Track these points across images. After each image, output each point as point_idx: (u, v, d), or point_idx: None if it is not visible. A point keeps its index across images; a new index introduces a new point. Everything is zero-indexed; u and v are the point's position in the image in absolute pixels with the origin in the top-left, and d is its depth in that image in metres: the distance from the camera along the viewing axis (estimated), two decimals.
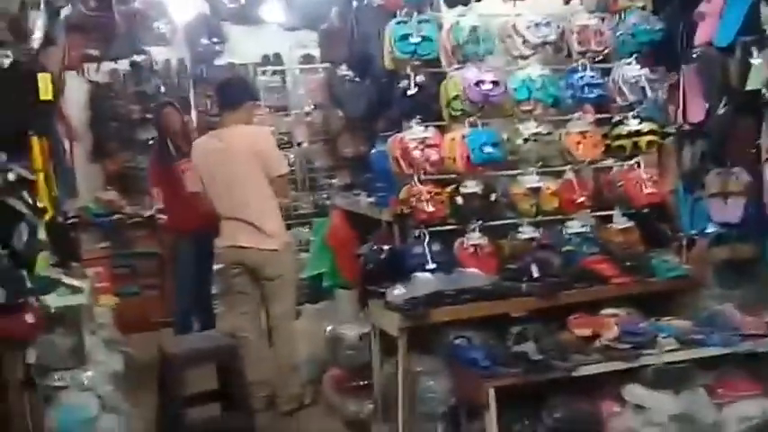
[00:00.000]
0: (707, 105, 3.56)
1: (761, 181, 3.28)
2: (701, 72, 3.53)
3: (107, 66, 5.80)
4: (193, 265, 4.62)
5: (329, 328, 3.99)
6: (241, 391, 3.44)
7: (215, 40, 5.70)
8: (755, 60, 3.18)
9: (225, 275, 3.98)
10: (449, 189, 3.43)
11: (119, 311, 3.97)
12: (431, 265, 3.29)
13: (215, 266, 4.64)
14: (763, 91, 3.14)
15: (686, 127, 3.66)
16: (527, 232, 3.52)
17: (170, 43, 5.85)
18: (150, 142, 5.75)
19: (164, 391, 3.42)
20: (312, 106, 4.80)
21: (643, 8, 3.68)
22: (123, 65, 6.14)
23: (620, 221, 3.69)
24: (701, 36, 3.44)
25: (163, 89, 6.07)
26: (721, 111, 3.49)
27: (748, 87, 3.18)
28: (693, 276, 3.53)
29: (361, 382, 3.73)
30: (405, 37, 3.33)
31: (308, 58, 5.63)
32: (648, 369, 3.05)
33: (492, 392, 2.86)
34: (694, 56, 3.55)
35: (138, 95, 6.28)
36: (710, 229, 3.55)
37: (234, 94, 3.82)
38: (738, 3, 3.38)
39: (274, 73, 4.94)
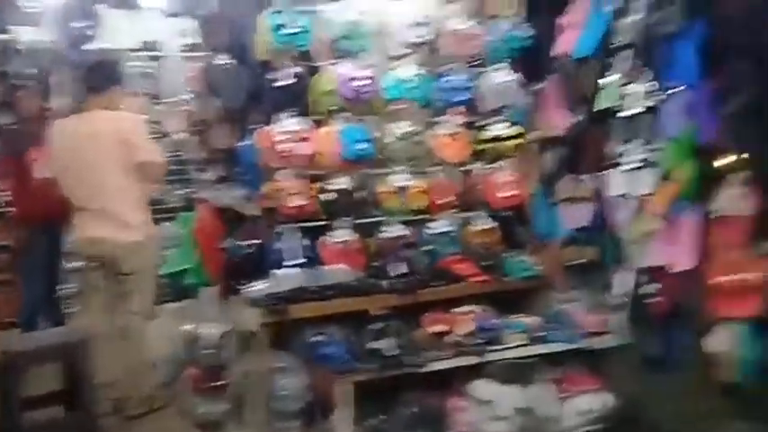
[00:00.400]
0: (568, 114, 3.77)
1: (603, 184, 3.50)
2: (562, 82, 3.72)
3: None
4: (41, 259, 4.32)
5: (188, 327, 3.86)
6: (87, 393, 3.23)
7: (87, 23, 5.30)
8: (606, 80, 3.36)
9: (81, 270, 3.78)
10: (318, 184, 3.46)
11: None
12: (296, 261, 3.31)
13: (75, 263, 4.36)
14: (605, 102, 3.33)
15: (548, 134, 3.85)
16: (394, 230, 3.60)
17: (38, 24, 5.43)
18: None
19: (3, 392, 3.18)
20: (190, 95, 4.60)
21: (516, 16, 3.82)
22: None
23: (481, 223, 3.84)
24: (560, 47, 3.61)
25: (27, 72, 5.57)
26: (578, 120, 3.70)
27: (597, 107, 3.37)
28: (545, 276, 3.76)
29: (219, 382, 3.66)
30: (279, 27, 3.30)
31: (188, 45, 5.39)
32: (496, 364, 3.21)
33: (348, 388, 2.94)
34: (556, 66, 3.73)
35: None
36: (562, 232, 3.79)
37: (99, 78, 3.60)
38: (598, 18, 3.57)
39: (151, 59, 4.69)
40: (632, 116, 3.23)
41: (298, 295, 3.16)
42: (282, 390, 3.04)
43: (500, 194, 3.78)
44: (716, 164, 3.02)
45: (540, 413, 3.30)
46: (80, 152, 3.40)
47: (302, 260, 3.33)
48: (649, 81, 3.19)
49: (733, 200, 2.95)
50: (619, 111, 3.30)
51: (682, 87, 3.11)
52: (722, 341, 3.01)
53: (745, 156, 2.95)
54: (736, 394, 3.78)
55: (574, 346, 3.40)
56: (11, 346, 3.10)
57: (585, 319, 3.51)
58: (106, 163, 3.36)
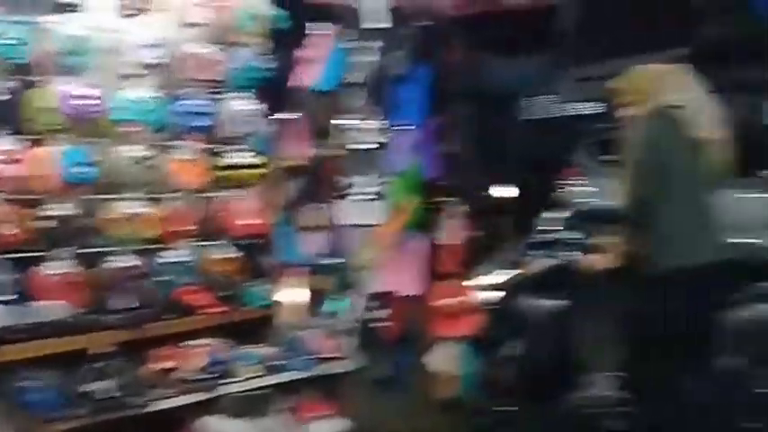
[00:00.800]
0: (310, 145, 3.86)
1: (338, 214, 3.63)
2: (303, 114, 3.81)
3: None
4: None
5: None
6: None
7: None
8: (342, 115, 3.49)
9: None
10: (33, 210, 3.15)
11: None
12: (3, 296, 2.98)
13: None
14: (342, 136, 3.47)
15: (291, 163, 3.91)
16: (122, 260, 3.37)
17: None
18: None
19: None
20: None
21: (259, 45, 3.82)
22: None
23: (221, 251, 3.76)
24: (302, 79, 3.70)
25: None
26: (317, 151, 3.81)
27: (334, 140, 3.48)
28: (286, 304, 3.77)
29: None
30: None
31: None
32: (227, 398, 3.15)
33: None
34: (299, 98, 3.81)
35: None
36: (303, 259, 3.85)
37: None
38: (335, 52, 3.71)
39: None
40: (366, 150, 3.39)
41: (4, 336, 2.83)
42: None
43: (241, 222, 3.73)
44: (437, 197, 3.31)
45: None
46: None
47: (11, 296, 2.99)
48: (380, 118, 3.38)
49: (450, 230, 3.26)
50: (354, 143, 3.46)
51: (408, 126, 3.37)
52: (442, 360, 3.28)
53: (461, 190, 3.25)
54: (457, 408, 4.12)
55: (307, 373, 3.44)
56: None
57: (321, 345, 3.57)
58: None
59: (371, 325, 3.40)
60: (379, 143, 3.34)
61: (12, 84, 3.10)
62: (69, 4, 3.21)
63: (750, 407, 3.48)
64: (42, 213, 3.12)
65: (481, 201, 3.39)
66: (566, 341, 3.98)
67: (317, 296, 3.89)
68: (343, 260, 3.77)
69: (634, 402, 3.64)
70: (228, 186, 3.77)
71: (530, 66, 3.66)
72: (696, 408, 3.25)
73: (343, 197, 3.47)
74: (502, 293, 4.03)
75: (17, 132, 3.11)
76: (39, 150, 3.14)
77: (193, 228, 3.63)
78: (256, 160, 3.80)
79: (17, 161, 3.06)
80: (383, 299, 3.44)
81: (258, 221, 3.80)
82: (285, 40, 3.91)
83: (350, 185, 3.42)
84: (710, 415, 3.24)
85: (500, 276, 4.09)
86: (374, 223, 3.37)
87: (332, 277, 3.85)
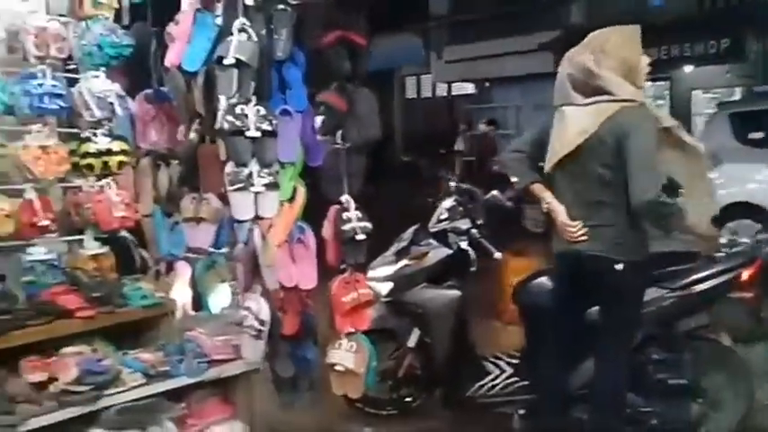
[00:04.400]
0: (179, 130, 3.54)
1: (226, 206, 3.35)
2: (172, 96, 3.48)
3: None
4: None
5: None
6: None
7: None
8: (219, 88, 3.21)
9: None
10: None
11: None
12: None
13: None
14: (221, 121, 3.19)
15: (145, 148, 3.56)
16: None
17: None
18: None
19: None
20: None
21: (116, 18, 3.46)
22: None
23: (90, 247, 3.37)
24: (170, 58, 3.36)
25: None
26: (190, 136, 3.50)
27: (215, 125, 3.20)
28: (167, 304, 3.43)
29: None
30: None
31: None
32: (110, 410, 2.79)
33: None
34: (165, 78, 3.47)
35: None
36: (182, 253, 3.51)
37: None
38: (205, 29, 3.41)
39: None
40: (251, 138, 3.13)
41: None
42: None
43: (109, 214, 3.33)
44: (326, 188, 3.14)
45: None
46: None
47: None
48: (262, 104, 3.14)
49: (345, 222, 3.11)
50: (235, 131, 3.17)
51: (294, 113, 3.16)
52: (343, 355, 3.15)
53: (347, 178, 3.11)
54: (361, 402, 4.00)
55: (197, 378, 3.14)
56: None
57: (213, 346, 3.27)
58: None
59: (272, 322, 3.15)
60: (264, 130, 3.09)
61: None
62: None
63: (649, 392, 3.57)
64: None
65: (369, 188, 3.23)
66: (464, 331, 3.97)
67: (202, 293, 3.58)
68: (227, 254, 3.47)
69: (534, 388, 3.69)
70: (91, 175, 3.36)
71: (404, 46, 3.58)
72: (596, 393, 3.31)
73: (227, 187, 3.18)
74: (398, 284, 3.94)
75: None
76: None
77: (56, 221, 3.21)
78: (120, 146, 3.42)
79: None
80: (279, 294, 3.21)
81: (128, 213, 3.42)
82: (147, 14, 3.56)
83: (236, 175, 3.13)
84: (609, 398, 3.29)
85: (395, 267, 3.99)
86: (266, 216, 3.12)
87: (216, 272, 3.55)
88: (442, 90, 16.92)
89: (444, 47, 14.90)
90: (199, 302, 3.59)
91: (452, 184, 4.20)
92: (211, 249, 3.51)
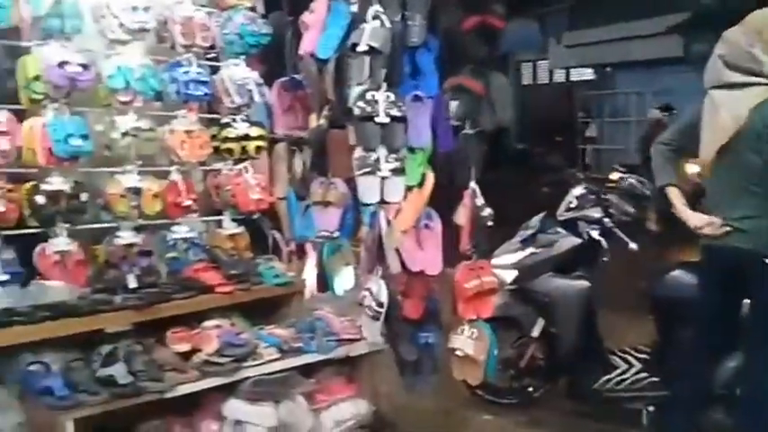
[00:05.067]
0: (310, 116, 3.63)
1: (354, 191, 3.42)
2: (304, 83, 3.56)
3: None
4: None
5: None
6: None
7: None
8: (351, 75, 3.28)
9: None
10: (27, 186, 2.90)
11: None
12: (1, 277, 2.74)
13: None
14: (352, 107, 3.25)
15: (280, 134, 3.68)
16: (126, 237, 3.14)
17: None
18: None
19: None
20: None
21: (252, 9, 3.60)
22: None
23: (228, 227, 3.55)
24: (304, 46, 3.46)
25: None
26: (321, 122, 3.58)
27: (346, 103, 3.27)
28: (298, 284, 3.55)
29: None
30: None
31: None
32: (247, 382, 2.93)
33: (71, 425, 2.45)
34: (299, 66, 3.57)
35: None
36: (314, 236, 3.62)
37: None
38: (339, 17, 3.48)
39: None
40: (380, 124, 3.18)
41: (5, 319, 2.59)
42: None
43: (251, 196, 3.50)
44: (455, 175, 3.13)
45: (297, 429, 3.10)
46: None
47: (6, 276, 2.74)
48: (392, 90, 3.18)
49: (472, 209, 3.09)
50: (365, 116, 3.23)
51: (426, 98, 3.17)
52: (466, 341, 3.14)
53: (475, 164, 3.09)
54: (482, 389, 3.98)
55: (327, 355, 3.23)
56: None
57: (341, 326, 3.36)
58: None
59: (393, 306, 3.19)
60: (393, 116, 3.13)
61: None
62: None
63: None
64: (39, 189, 2.87)
65: (499, 175, 3.19)
66: (592, 322, 3.86)
67: (330, 274, 3.68)
68: (356, 237, 3.54)
69: (666, 385, 3.55)
70: (230, 159, 3.54)
71: (520, 31, 3.49)
72: (745, 395, 3.15)
73: (355, 172, 3.25)
74: (524, 273, 3.88)
75: (1, 102, 2.86)
76: (29, 122, 2.89)
77: (196, 203, 3.40)
78: (258, 132, 3.57)
79: (4, 133, 2.80)
80: (405, 279, 3.24)
81: (264, 196, 3.58)
82: (282, 3, 3.68)
83: (365, 160, 3.20)
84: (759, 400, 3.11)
85: (521, 255, 3.93)
86: (392, 200, 3.16)
87: (342, 255, 3.64)
88: (559, 76, 16.49)
89: (564, 31, 14.46)
90: (325, 283, 3.72)
91: (579, 174, 4.09)
92: (337, 233, 3.61)
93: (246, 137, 3.54)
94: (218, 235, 3.52)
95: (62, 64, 2.88)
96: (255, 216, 3.63)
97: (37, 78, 2.86)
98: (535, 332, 3.90)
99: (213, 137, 3.48)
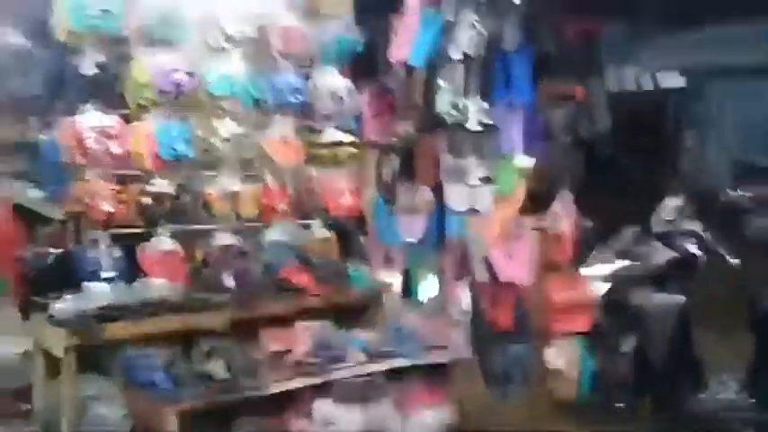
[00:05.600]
0: (400, 123, 3.67)
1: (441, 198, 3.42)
2: (394, 89, 3.61)
3: None
4: None
5: None
6: None
7: None
8: (441, 82, 3.30)
9: None
10: (134, 187, 3.04)
11: None
12: (108, 274, 2.89)
13: None
14: (442, 115, 3.26)
15: (372, 140, 3.73)
16: (223, 238, 3.25)
17: None
18: None
19: None
20: None
21: (346, 18, 3.67)
22: None
23: (319, 231, 3.62)
24: (395, 53, 3.50)
25: None
26: (408, 129, 3.61)
27: (437, 110, 3.30)
28: (384, 288, 3.60)
29: (22, 407, 3.14)
30: (82, 7, 2.86)
31: None
32: (337, 383, 2.98)
33: (174, 418, 2.55)
34: (389, 72, 3.62)
35: None
36: (400, 242, 3.66)
37: None
38: (430, 24, 3.50)
39: None
40: (470, 131, 3.18)
41: (112, 313, 2.72)
42: (98, 420, 2.60)
43: (340, 202, 3.56)
44: (545, 182, 3.09)
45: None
46: None
47: (114, 273, 2.88)
48: (485, 97, 3.18)
49: (565, 219, 3.04)
50: (455, 124, 3.24)
51: (518, 106, 3.14)
52: (558, 355, 3.08)
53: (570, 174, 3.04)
54: (574, 405, 3.90)
55: (416, 361, 3.24)
56: None
57: (428, 332, 3.37)
58: None
59: (483, 315, 3.18)
60: (485, 123, 3.13)
61: (104, 58, 2.98)
62: None
63: None
64: (144, 190, 3.00)
65: (592, 185, 3.13)
66: (687, 339, 3.73)
67: (415, 280, 3.71)
68: (444, 244, 3.55)
69: (760, 407, 3.40)
70: (323, 164, 3.61)
71: (606, 35, 3.42)
72: None
73: (445, 180, 3.26)
74: (617, 286, 3.78)
75: (112, 107, 3.01)
76: (135, 126, 3.03)
77: (289, 206, 3.49)
78: (348, 138, 3.63)
79: (116, 137, 2.94)
80: (495, 288, 3.22)
81: (355, 201, 3.63)
82: (374, 9, 3.74)
83: (454, 167, 3.21)
84: None
85: (614, 267, 3.83)
86: (481, 209, 3.15)
87: (426, 261, 3.66)
88: (647, 82, 16.00)
89: (653, 36, 14.05)
90: (408, 289, 3.75)
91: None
92: (422, 239, 3.62)
93: (338, 143, 3.61)
94: (309, 238, 3.60)
95: (169, 71, 3.00)
96: (344, 221, 3.69)
97: (145, 85, 2.99)
98: (627, 347, 3.81)
99: (306, 143, 3.56)
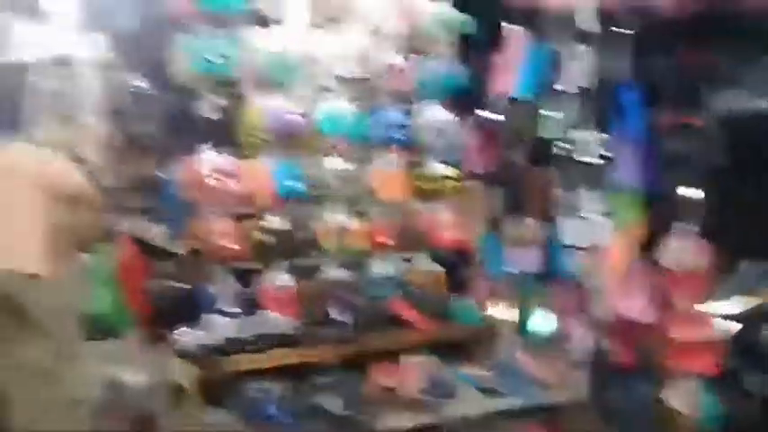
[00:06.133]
0: (504, 155, 3.65)
1: (553, 231, 3.36)
2: (498, 122, 3.59)
3: None
4: None
5: (110, 372, 3.45)
6: None
7: None
8: (550, 113, 3.27)
9: None
10: (249, 224, 3.13)
11: None
12: (228, 308, 2.98)
13: None
14: (554, 147, 3.22)
15: (477, 173, 3.71)
16: (332, 273, 3.30)
17: None
18: None
19: None
20: (101, 117, 4.30)
21: (449, 53, 3.70)
22: None
23: (424, 265, 3.62)
24: (499, 85, 3.50)
25: None
26: (515, 161, 3.59)
27: (543, 135, 3.26)
28: (493, 324, 3.55)
29: None
30: (202, 53, 3.01)
31: (100, 64, 5.10)
32: (450, 421, 2.93)
33: None
34: (492, 105, 3.61)
35: None
36: (508, 275, 3.60)
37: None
38: (536, 56, 3.49)
39: (61, 76, 4.36)
40: (583, 163, 3.13)
41: (233, 346, 2.81)
42: None
43: (443, 235, 3.56)
44: (665, 216, 2.99)
45: None
46: None
47: (233, 307, 2.96)
48: (596, 129, 3.13)
49: (685, 253, 2.92)
50: (567, 156, 3.19)
51: (633, 137, 3.07)
52: (680, 396, 2.94)
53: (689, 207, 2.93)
54: None
55: (531, 401, 3.16)
56: None
57: (538, 370, 3.29)
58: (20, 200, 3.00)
59: (600, 353, 3.08)
60: (599, 155, 3.07)
61: (221, 100, 3.11)
62: (270, 19, 3.19)
63: None
64: (260, 227, 3.09)
65: (713, 218, 2.99)
66: None
67: (524, 316, 3.63)
68: (556, 279, 3.47)
69: None
70: (428, 198, 3.62)
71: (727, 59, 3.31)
72: None
73: (557, 213, 3.21)
74: (747, 324, 3.58)
75: (224, 147, 3.12)
76: (252, 165, 3.14)
77: (395, 241, 3.51)
78: (452, 172, 3.64)
79: (231, 176, 3.05)
80: (613, 325, 3.12)
81: (460, 234, 3.62)
82: (477, 45, 3.76)
83: (567, 201, 3.15)
84: None
85: (739, 305, 3.62)
86: (602, 244, 3.07)
87: (539, 296, 3.59)
88: (763, 106, 15.28)
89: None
90: (521, 325, 3.67)
91: None
92: (533, 273, 3.56)
93: (442, 177, 3.61)
94: (415, 272, 3.60)
95: (281, 112, 3.10)
96: (450, 254, 3.68)
97: (259, 125, 3.10)
98: (760, 391, 3.58)
99: (412, 177, 3.59)
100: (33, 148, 3.56)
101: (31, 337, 3.32)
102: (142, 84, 3.48)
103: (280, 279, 3.13)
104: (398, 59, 3.53)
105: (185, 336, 2.80)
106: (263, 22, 3.20)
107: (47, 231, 3.17)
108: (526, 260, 3.53)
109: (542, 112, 3.38)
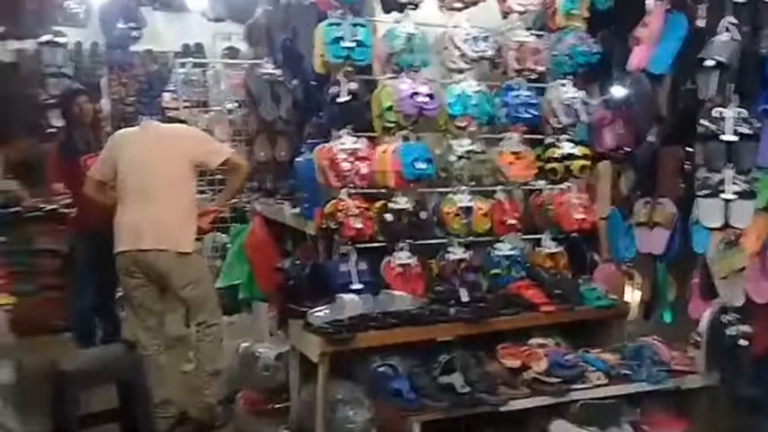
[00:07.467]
0: (639, 134, 3.52)
1: (686, 213, 3.23)
2: (633, 99, 3.46)
3: (13, 44, 5.55)
4: (94, 266, 4.26)
5: (244, 345, 3.72)
6: (143, 411, 3.12)
7: (132, 24, 5.51)
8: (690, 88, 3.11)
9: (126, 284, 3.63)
10: (378, 205, 3.23)
11: (14, 313, 3.65)
12: (357, 285, 3.10)
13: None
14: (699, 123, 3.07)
15: (606, 152, 3.60)
16: (456, 253, 3.35)
17: (83, 24, 5.63)
18: (55, 130, 5.31)
19: (57, 410, 3.06)
20: (234, 104, 4.58)
21: (581, 29, 3.59)
22: (31, 44, 5.70)
23: (549, 246, 3.59)
24: (634, 61, 3.35)
25: (73, 73, 5.71)
26: (650, 140, 3.46)
27: (682, 112, 3.12)
28: (621, 307, 3.48)
29: (277, 406, 3.49)
30: (337, 40, 3.10)
31: (232, 52, 5.41)
32: (576, 405, 2.92)
33: (418, 427, 2.68)
34: (627, 81, 3.48)
35: (46, 78, 5.78)
36: (636, 257, 3.51)
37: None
38: (675, 31, 3.32)
39: (195, 65, 4.67)
40: (726, 141, 2.98)
41: (361, 323, 2.92)
42: (345, 422, 2.80)
43: (570, 216, 3.51)
44: None
45: None
46: (144, 165, 3.33)
47: (361, 285, 3.08)
48: (742, 105, 2.96)
49: None
50: (709, 134, 3.04)
51: None
52: None
53: None
54: None
55: (660, 386, 3.08)
56: (64, 362, 2.96)
57: (670, 356, 3.19)
58: (168, 176, 3.31)
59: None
60: (742, 133, 2.90)
61: (354, 85, 3.19)
62: (408, 3, 3.21)
63: None
64: (388, 208, 3.18)
65: None
66: None
67: (657, 300, 3.53)
68: (688, 262, 3.34)
69: None
70: (554, 179, 3.57)
71: None
72: None
73: (696, 193, 3.07)
74: None
75: (360, 131, 3.21)
76: (382, 148, 3.22)
77: (520, 221, 3.50)
78: (582, 151, 3.56)
79: (365, 158, 3.15)
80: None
81: (587, 215, 3.55)
82: (610, 20, 3.62)
83: (705, 180, 3.01)
84: None
85: None
86: (738, 225, 2.93)
87: (671, 280, 3.47)
88: None
89: None
90: (650, 308, 3.57)
91: None
92: (664, 255, 3.44)
93: (571, 156, 3.54)
94: (538, 253, 3.58)
95: (412, 95, 3.15)
96: (576, 235, 3.62)
97: (390, 108, 3.16)
98: None
99: (538, 157, 3.55)
100: (184, 128, 3.90)
101: (175, 310, 3.68)
102: (274, 71, 3.63)
103: (405, 258, 3.21)
104: (530, 38, 3.48)
105: (316, 312, 2.94)
106: (399, 6, 3.23)
107: (193, 211, 3.47)
108: (656, 241, 3.42)
109: (682, 87, 3.25)
